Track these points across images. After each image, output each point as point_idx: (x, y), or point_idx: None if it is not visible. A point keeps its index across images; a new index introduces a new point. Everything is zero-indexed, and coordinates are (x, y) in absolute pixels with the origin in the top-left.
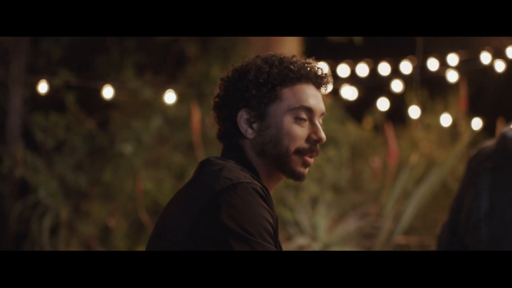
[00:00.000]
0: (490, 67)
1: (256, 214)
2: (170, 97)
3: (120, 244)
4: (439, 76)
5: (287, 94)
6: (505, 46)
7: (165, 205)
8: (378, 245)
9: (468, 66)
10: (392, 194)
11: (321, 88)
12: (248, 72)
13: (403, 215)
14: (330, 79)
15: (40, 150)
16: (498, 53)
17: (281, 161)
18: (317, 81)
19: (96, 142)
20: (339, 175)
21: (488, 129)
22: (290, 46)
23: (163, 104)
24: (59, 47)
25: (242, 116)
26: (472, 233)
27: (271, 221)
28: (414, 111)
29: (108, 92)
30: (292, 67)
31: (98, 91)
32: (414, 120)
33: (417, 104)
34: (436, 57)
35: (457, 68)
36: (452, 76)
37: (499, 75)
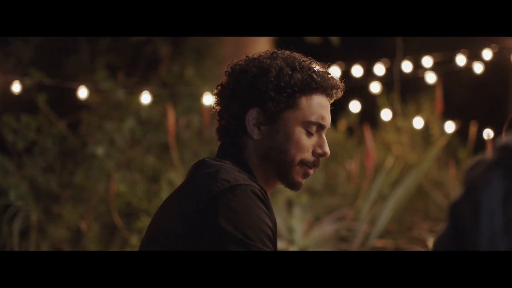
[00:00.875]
0: (467, 69)
1: (256, 217)
2: (145, 98)
3: (91, 247)
4: (415, 78)
5: (304, 103)
6: (481, 48)
7: (157, 209)
8: (354, 249)
9: (443, 69)
10: (368, 197)
11: (332, 98)
12: (269, 71)
13: (379, 218)
14: (341, 92)
15: (11, 152)
16: (474, 55)
17: (283, 169)
18: (331, 93)
19: (68, 144)
20: (314, 178)
21: (462, 132)
22: (261, 47)
23: (136, 105)
24: (28, 47)
25: (252, 115)
26: (487, 247)
27: (270, 225)
28: (386, 114)
29: (83, 92)
30: (314, 76)
31: (70, 92)
32: (386, 123)
33: (394, 106)
34: (410, 59)
35: (432, 70)
36: (431, 78)
37: (472, 77)
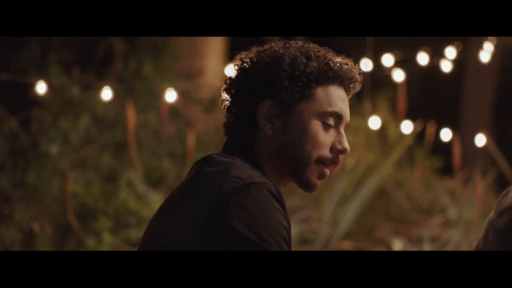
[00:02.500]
0: (432, 67)
1: (272, 218)
2: (106, 94)
3: (45, 249)
4: (374, 76)
5: (320, 94)
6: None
7: (157, 211)
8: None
9: (407, 67)
10: (332, 199)
11: (350, 92)
12: (282, 59)
13: (342, 220)
14: (359, 85)
15: None
16: (437, 54)
17: (298, 167)
18: (349, 84)
19: (19, 142)
20: None
21: (420, 132)
22: (215, 46)
23: (91, 102)
24: None
25: (264, 108)
26: None
27: (287, 226)
28: None
29: (41, 88)
30: (331, 64)
31: (22, 88)
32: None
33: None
34: (369, 57)
35: (393, 68)
36: (398, 76)
37: (425, 76)
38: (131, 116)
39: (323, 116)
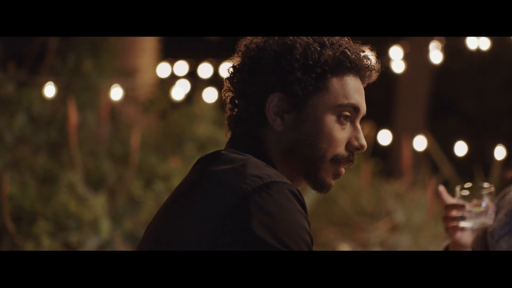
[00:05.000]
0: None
1: (295, 223)
2: (49, 90)
3: None
4: None
5: (336, 85)
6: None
7: (157, 214)
8: None
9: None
10: None
11: (365, 82)
12: (294, 47)
13: None
14: (376, 74)
15: None
16: (380, 54)
17: (312, 166)
18: (365, 74)
19: None
20: None
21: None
22: (148, 44)
23: (27, 100)
24: None
25: (273, 102)
26: None
27: (309, 231)
28: None
29: None
30: (348, 52)
31: None
32: None
33: None
34: None
35: None
36: None
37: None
38: (73, 114)
39: (339, 110)
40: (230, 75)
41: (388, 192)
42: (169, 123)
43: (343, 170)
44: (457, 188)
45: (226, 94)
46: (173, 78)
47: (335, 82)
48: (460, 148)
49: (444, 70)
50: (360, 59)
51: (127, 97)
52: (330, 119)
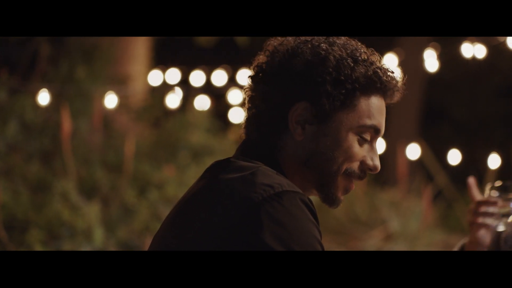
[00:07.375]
0: None
1: (307, 233)
2: (43, 97)
3: None
4: None
5: (363, 104)
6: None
7: (164, 223)
8: None
9: None
10: None
11: (387, 103)
12: (327, 59)
13: None
14: (399, 94)
15: None
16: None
17: (325, 180)
18: (389, 95)
19: None
20: None
21: None
22: (140, 51)
23: (20, 107)
24: None
25: (299, 110)
26: None
27: (321, 241)
28: None
29: None
30: (380, 73)
31: None
32: None
33: None
34: None
35: None
36: None
37: None
38: (66, 122)
39: (361, 130)
40: (254, 74)
41: (383, 201)
42: (163, 131)
43: (353, 185)
44: (488, 186)
45: (247, 93)
46: (165, 86)
47: (362, 101)
48: (454, 157)
49: (437, 79)
50: (390, 81)
51: (120, 104)
52: (352, 138)
